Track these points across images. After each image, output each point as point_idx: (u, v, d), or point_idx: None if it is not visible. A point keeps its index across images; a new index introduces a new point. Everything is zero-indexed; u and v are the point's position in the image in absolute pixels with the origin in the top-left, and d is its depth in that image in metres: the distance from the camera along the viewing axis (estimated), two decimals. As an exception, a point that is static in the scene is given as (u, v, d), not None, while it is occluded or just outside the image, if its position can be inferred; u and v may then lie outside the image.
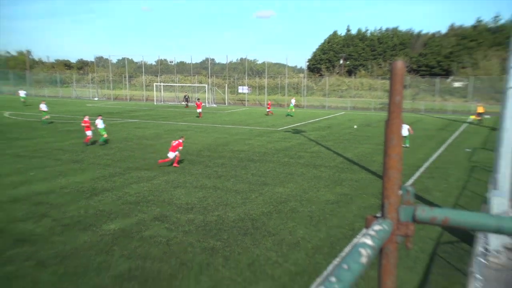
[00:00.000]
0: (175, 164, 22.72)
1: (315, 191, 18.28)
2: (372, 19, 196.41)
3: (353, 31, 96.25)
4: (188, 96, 62.21)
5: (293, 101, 54.94)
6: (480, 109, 42.79)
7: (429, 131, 37.72)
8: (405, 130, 28.40)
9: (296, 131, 36.67)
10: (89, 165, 22.91)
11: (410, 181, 20.06)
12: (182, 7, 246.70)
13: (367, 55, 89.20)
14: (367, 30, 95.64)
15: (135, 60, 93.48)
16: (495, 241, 11.68)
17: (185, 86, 74.24)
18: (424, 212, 1.65)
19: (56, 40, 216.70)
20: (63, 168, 22.08)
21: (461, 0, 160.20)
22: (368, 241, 1.43)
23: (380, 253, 1.68)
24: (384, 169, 1.74)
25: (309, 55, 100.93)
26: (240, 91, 71.85)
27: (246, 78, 74.02)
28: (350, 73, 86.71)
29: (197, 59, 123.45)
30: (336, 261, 11.59)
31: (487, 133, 37.00)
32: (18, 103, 57.72)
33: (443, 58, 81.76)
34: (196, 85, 72.30)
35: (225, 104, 66.89)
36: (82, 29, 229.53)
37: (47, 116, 39.57)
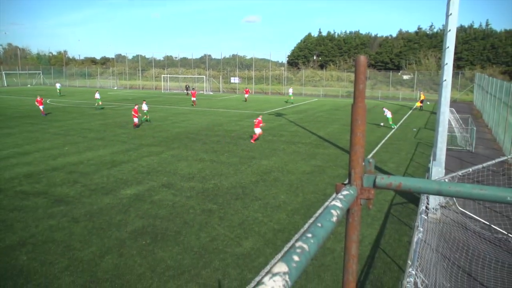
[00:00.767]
0: (252, 141, 22.85)
1: (294, 163, 18.26)
2: (338, 24, 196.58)
3: (324, 33, 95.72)
4: (188, 86, 61.38)
5: (290, 90, 53.46)
6: (422, 97, 42.83)
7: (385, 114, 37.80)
8: (388, 113, 29.45)
9: (278, 114, 36.50)
10: (109, 141, 22.63)
11: (371, 155, 20.14)
12: (185, 14, 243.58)
13: (335, 53, 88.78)
14: (335, 32, 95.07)
15: (147, 56, 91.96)
16: (433, 201, 11.94)
17: (187, 77, 73.37)
18: (382, 179, 1.69)
19: (86, 41, 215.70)
20: (90, 144, 21.80)
21: (406, 11, 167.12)
22: (338, 204, 1.46)
23: (347, 213, 1.73)
24: (350, 145, 1.74)
25: (288, 52, 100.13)
26: (232, 81, 71.19)
27: (237, 70, 73.31)
28: (322, 67, 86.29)
29: (197, 55, 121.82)
30: (311, 221, 11.63)
31: (428, 116, 37.23)
32: (56, 92, 56.71)
33: (394, 56, 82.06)
34: (196, 76, 71.45)
35: (219, 92, 66.32)
36: (105, 33, 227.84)
37: (100, 103, 39.86)
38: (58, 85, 58.42)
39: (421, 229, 7.22)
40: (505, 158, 12.06)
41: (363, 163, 1.76)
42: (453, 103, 42.81)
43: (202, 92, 64.52)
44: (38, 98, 33.83)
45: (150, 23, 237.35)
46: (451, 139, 21.67)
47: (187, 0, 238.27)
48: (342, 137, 24.92)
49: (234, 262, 9.13)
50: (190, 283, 8.29)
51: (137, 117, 27.07)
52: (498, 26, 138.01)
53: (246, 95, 51.30)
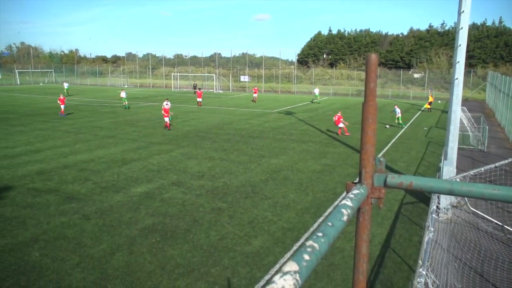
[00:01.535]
0: (343, 134, 24.09)
1: (304, 162, 18.23)
2: (349, 22, 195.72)
3: (334, 32, 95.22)
4: (196, 84, 61.48)
5: (316, 90, 49.88)
6: (431, 99, 40.61)
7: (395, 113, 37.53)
8: (398, 111, 29.17)
9: (288, 113, 36.44)
10: (120, 139, 22.81)
11: (381, 154, 20.02)
12: (195, 12, 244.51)
13: (345, 51, 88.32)
14: (345, 31, 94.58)
15: (157, 54, 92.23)
16: (444, 201, 11.85)
17: (197, 75, 73.59)
18: (393, 178, 1.68)
19: (97, 40, 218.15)
20: (101, 142, 22.00)
21: (417, 9, 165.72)
22: (348, 203, 1.45)
23: (357, 212, 1.72)
24: (361, 143, 1.73)
25: (298, 50, 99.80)
26: (242, 79, 71.23)
27: (247, 69, 73.32)
28: (332, 65, 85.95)
29: (207, 53, 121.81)
30: (321, 220, 11.61)
31: (439, 115, 36.86)
32: (63, 92, 57.09)
33: (405, 54, 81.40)
34: (206, 74, 71.65)
35: (229, 90, 66.40)
36: (116, 31, 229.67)
37: (126, 102, 38.30)
38: (66, 85, 56.54)
39: (432, 229, 7.16)
40: (518, 157, 11.89)
41: (374, 162, 1.75)
42: (465, 101, 42.35)
43: (212, 90, 64.69)
44: (61, 97, 33.20)
45: (161, 21, 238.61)
46: (463, 138, 21.43)
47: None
48: (352, 136, 24.80)
49: (244, 261, 9.15)
50: (199, 281, 8.32)
51: (168, 116, 26.05)
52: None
53: (255, 95, 47.24)
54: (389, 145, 22.37)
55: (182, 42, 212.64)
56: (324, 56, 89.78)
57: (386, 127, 28.37)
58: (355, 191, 1.56)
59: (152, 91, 63.95)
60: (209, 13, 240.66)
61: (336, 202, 13.02)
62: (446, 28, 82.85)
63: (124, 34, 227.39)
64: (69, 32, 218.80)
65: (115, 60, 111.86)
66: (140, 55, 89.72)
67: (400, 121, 29.01)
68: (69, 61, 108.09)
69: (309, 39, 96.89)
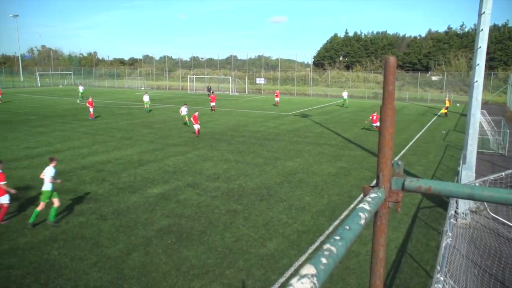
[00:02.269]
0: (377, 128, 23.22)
1: (319, 165, 18.14)
2: (365, 24, 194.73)
3: (350, 34, 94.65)
4: (210, 87, 61.70)
5: (345, 93, 46.07)
6: (447, 103, 38.21)
7: (412, 116, 37.06)
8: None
9: (304, 115, 36.34)
10: (136, 141, 23.07)
11: (397, 157, 19.79)
12: (211, 15, 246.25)
13: (362, 53, 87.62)
14: (361, 33, 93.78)
15: (174, 57, 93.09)
16: (463, 206, 11.66)
17: (213, 78, 73.96)
18: (411, 182, 1.66)
19: (114, 43, 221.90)
20: (118, 143, 22.29)
21: (436, 10, 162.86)
22: (366, 206, 1.45)
23: (375, 216, 1.70)
24: (379, 147, 1.71)
25: (314, 53, 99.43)
26: (257, 82, 71.28)
27: (263, 71, 73.38)
28: (348, 67, 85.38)
29: (223, 56, 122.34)
30: (336, 223, 11.53)
31: (458, 118, 36.25)
32: (87, 92, 57.47)
33: (423, 57, 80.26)
34: (222, 77, 71.94)
35: (245, 92, 66.55)
36: (133, 33, 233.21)
37: (148, 105, 37.19)
38: (81, 88, 52.87)
39: (450, 234, 7.05)
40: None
41: (392, 166, 1.73)
42: (485, 105, 41.59)
43: (227, 93, 64.94)
44: (90, 100, 32.85)
45: (177, 24, 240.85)
46: (482, 142, 21.04)
47: (214, 0, 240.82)
48: (368, 139, 24.58)
49: (258, 263, 9.14)
50: (214, 282, 8.35)
51: (197, 123, 24.63)
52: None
53: (277, 99, 45.00)
54: (406, 148, 22.11)
55: (198, 44, 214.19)
56: (340, 58, 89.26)
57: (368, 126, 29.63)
58: (373, 195, 1.55)
59: (168, 93, 64.52)
60: (226, 15, 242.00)
61: (352, 206, 12.92)
62: (466, 29, 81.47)
63: (142, 36, 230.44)
64: (88, 35, 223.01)
65: (133, 62, 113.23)
66: (157, 58, 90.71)
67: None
68: (87, 64, 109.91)
69: (325, 42, 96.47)
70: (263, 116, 35.72)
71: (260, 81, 70.51)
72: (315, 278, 0.98)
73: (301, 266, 9.02)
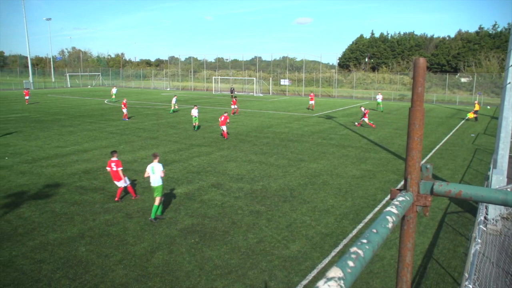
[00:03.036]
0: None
1: (344, 167, 17.96)
2: (392, 25, 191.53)
3: (376, 35, 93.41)
4: (234, 88, 61.93)
5: (379, 96, 42.92)
6: (477, 107, 36.17)
7: (440, 118, 36.23)
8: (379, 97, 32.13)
9: (328, 117, 36.06)
10: (162, 141, 23.41)
11: (424, 160, 19.38)
12: (237, 16, 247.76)
13: (388, 55, 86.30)
14: (388, 33, 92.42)
15: (199, 58, 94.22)
16: (493, 212, 11.33)
17: (238, 79, 74.30)
18: (441, 186, 1.63)
19: (141, 44, 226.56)
20: (143, 143, 22.67)
21: (466, 10, 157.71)
22: (393, 210, 1.43)
23: (402, 220, 1.66)
24: (407, 150, 1.69)
25: (339, 54, 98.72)
26: (282, 83, 71.25)
27: (287, 72, 73.30)
28: (373, 69, 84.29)
29: (248, 57, 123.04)
30: (360, 226, 11.39)
31: (488, 121, 35.20)
32: (110, 97, 59.07)
33: (451, 58, 78.32)
34: (246, 78, 72.20)
35: (269, 94, 66.56)
36: (159, 35, 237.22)
37: (173, 107, 37.79)
38: (114, 90, 51.21)
39: (479, 240, 6.85)
40: None
41: (420, 169, 1.71)
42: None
43: (252, 94, 65.09)
44: (124, 101, 33.30)
45: (203, 25, 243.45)
46: (514, 146, 20.35)
47: (240, 2, 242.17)
48: (394, 141, 24.18)
49: (281, 265, 9.13)
50: (236, 283, 8.38)
51: (224, 125, 24.16)
52: None
53: (312, 102, 41.71)
54: (433, 151, 21.64)
55: (223, 45, 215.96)
56: (366, 59, 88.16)
57: (355, 124, 31.20)
58: (400, 198, 1.53)
59: (193, 94, 65.19)
60: (251, 17, 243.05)
61: (376, 209, 12.74)
62: (498, 29, 78.99)
63: (168, 38, 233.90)
64: (116, 37, 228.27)
65: (159, 63, 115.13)
66: (183, 59, 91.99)
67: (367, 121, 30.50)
68: (115, 65, 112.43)
69: (351, 43, 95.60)
70: (287, 117, 35.64)
71: (284, 82, 70.44)
72: (342, 281, 0.98)
73: (324, 268, 8.96)
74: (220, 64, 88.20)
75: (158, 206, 11.66)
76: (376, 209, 12.76)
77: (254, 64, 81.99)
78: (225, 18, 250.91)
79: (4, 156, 19.28)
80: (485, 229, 10.95)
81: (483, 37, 78.26)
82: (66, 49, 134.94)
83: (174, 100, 38.38)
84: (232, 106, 37.96)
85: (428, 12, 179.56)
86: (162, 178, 11.80)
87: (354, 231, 11.02)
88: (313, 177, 16.29)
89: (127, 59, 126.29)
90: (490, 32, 79.87)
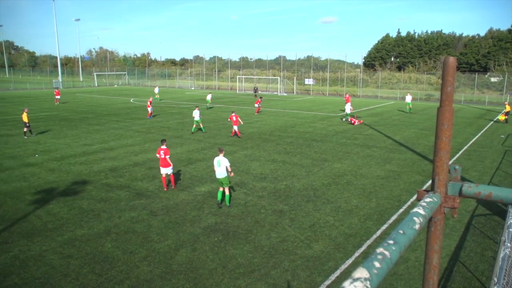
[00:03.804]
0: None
1: (368, 167, 17.74)
2: (419, 23, 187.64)
3: (403, 34, 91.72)
4: (257, 88, 62.01)
5: (409, 97, 40.12)
6: (508, 108, 34.28)
7: (468, 119, 35.28)
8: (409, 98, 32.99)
9: (353, 117, 35.62)
10: (186, 140, 23.67)
11: (451, 162, 18.92)
12: (262, 16, 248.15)
13: (415, 54, 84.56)
14: (415, 32, 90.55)
15: (223, 57, 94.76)
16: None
17: (262, 78, 74.33)
18: (470, 188, 1.59)
19: (167, 43, 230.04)
20: (168, 142, 22.70)
21: (498, 7, 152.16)
22: (420, 211, 1.40)
23: (429, 221, 1.64)
24: (435, 150, 1.66)
25: (365, 53, 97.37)
26: (306, 82, 70.84)
27: (312, 72, 72.85)
28: (399, 68, 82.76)
29: (272, 56, 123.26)
30: (384, 227, 11.23)
31: (523, 122, 34.05)
32: (139, 91, 60.06)
33: (481, 57, 76.02)
34: (270, 77, 72.18)
35: (293, 93, 66.33)
36: (185, 35, 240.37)
37: (208, 104, 41.59)
38: (157, 90, 51.20)
39: (509, 244, 6.65)
40: None
41: (448, 170, 1.68)
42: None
43: (276, 93, 65.03)
44: (151, 99, 34.46)
45: (228, 25, 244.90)
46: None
47: (265, 1, 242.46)
48: (419, 142, 23.71)
49: (304, 264, 9.10)
50: (259, 281, 8.41)
51: (237, 124, 24.26)
52: None
53: (348, 104, 35.20)
54: (460, 152, 21.11)
55: (248, 45, 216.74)
56: (392, 59, 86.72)
57: (342, 120, 32.88)
58: (428, 199, 1.50)
59: (217, 93, 65.62)
60: (276, 16, 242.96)
61: (401, 210, 12.53)
62: (533, 27, 76.21)
63: (193, 37, 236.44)
64: (142, 37, 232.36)
65: (183, 62, 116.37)
66: (207, 58, 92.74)
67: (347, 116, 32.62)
68: (141, 64, 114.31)
69: (377, 42, 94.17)
70: (311, 117, 35.46)
71: (308, 81, 70.03)
72: (368, 282, 0.97)
73: (347, 269, 8.88)
74: (244, 64, 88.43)
75: (229, 195, 12.79)
76: (401, 210, 12.56)
77: (279, 64, 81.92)
78: (250, 17, 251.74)
79: (35, 153, 19.90)
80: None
81: (517, 35, 75.69)
82: (94, 49, 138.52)
83: (209, 97, 41.60)
84: (256, 105, 38.16)
85: (458, 11, 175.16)
86: (227, 170, 12.69)
87: (378, 232, 10.88)
88: (337, 177, 16.16)
89: (153, 59, 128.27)
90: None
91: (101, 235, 10.58)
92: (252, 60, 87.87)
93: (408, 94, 41.85)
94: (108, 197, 13.53)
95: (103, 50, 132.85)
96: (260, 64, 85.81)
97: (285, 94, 64.22)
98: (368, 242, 10.29)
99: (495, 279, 5.27)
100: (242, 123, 25.60)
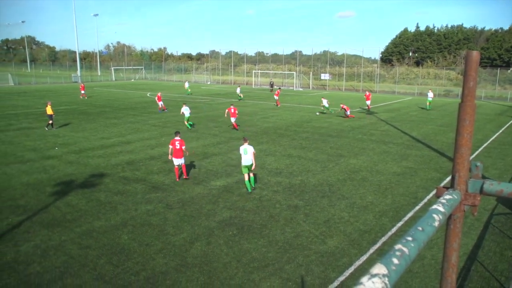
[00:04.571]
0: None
1: (384, 163, 17.57)
2: (439, 18, 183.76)
3: (422, 28, 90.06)
4: (273, 82, 61.86)
5: (430, 94, 38.85)
6: None
7: (488, 115, 34.59)
8: (325, 102, 34.23)
9: (369, 112, 35.31)
10: (202, 134, 23.78)
11: (470, 159, 18.58)
12: (278, 11, 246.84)
13: (434, 49, 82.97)
14: (434, 27, 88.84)
15: (239, 52, 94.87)
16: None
17: (277, 73, 74.08)
18: (492, 185, 1.56)
19: (183, 38, 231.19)
20: (184, 136, 22.90)
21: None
22: (440, 208, 1.38)
23: (448, 219, 1.61)
24: (455, 146, 1.63)
25: (382, 48, 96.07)
26: (322, 77, 70.36)
27: (328, 67, 72.29)
28: (418, 63, 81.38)
29: (288, 51, 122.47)
30: (400, 224, 11.12)
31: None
32: (156, 86, 60.47)
33: (504, 52, 74.12)
34: (286, 72, 71.89)
35: (309, 88, 65.97)
36: (201, 29, 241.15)
37: (241, 95, 44.73)
38: (187, 84, 52.58)
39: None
40: None
41: (469, 167, 1.65)
42: None
43: (291, 88, 64.76)
44: (159, 94, 34.76)
45: (245, 19, 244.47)
46: None
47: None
48: (437, 139, 23.35)
49: (318, 260, 9.08)
50: (273, 276, 8.43)
51: (235, 117, 24.95)
52: None
53: (368, 102, 36.91)
54: (480, 149, 20.73)
55: (264, 40, 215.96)
56: (410, 54, 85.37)
57: (316, 114, 33.27)
58: (447, 196, 1.48)
59: (233, 87, 65.68)
60: (292, 11, 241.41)
61: (417, 207, 12.38)
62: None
63: (209, 32, 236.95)
64: (159, 32, 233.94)
65: (200, 57, 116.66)
66: (223, 53, 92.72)
67: (329, 109, 33.84)
68: (157, 59, 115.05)
69: (394, 36, 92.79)
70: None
71: (325, 76, 69.53)
72: (386, 279, 0.97)
73: (362, 266, 8.83)
74: (260, 58, 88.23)
75: (254, 177, 13.97)
76: (417, 207, 12.41)
77: (295, 58, 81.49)
78: (266, 12, 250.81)
79: (55, 146, 20.27)
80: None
81: (542, 29, 73.47)
82: (111, 43, 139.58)
83: (238, 90, 45.23)
84: (276, 97, 39.49)
85: (480, 4, 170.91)
86: (253, 157, 13.53)
87: (394, 229, 10.78)
88: (352, 173, 16.05)
89: (169, 53, 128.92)
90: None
91: (118, 227, 10.74)
92: (268, 55, 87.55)
93: (430, 90, 40.32)
94: (125, 190, 13.71)
95: (120, 45, 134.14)
96: (276, 59, 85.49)
97: (301, 89, 63.91)
98: (383, 239, 10.21)
99: (514, 279, 5.17)
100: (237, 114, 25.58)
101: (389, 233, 10.52)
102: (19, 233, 10.33)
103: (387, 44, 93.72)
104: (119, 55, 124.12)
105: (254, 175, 14.16)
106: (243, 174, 13.69)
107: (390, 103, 44.69)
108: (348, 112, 31.79)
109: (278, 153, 19.14)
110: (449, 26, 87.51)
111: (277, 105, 38.72)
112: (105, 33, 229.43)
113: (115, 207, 12.14)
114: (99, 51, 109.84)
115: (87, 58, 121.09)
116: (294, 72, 67.74)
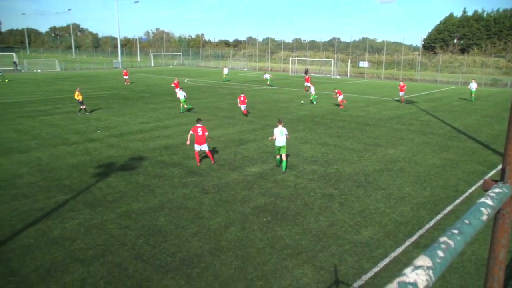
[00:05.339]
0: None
1: (423, 154, 17.06)
2: (489, 1, 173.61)
3: (469, 13, 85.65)
4: (307, 70, 61.05)
5: (473, 85, 35.40)
6: None
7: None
8: (474, 85, 31.65)
9: (409, 102, 34.26)
10: (238, 120, 23.91)
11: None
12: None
13: (482, 35, 78.67)
14: (483, 11, 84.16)
15: (276, 39, 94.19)
16: None
17: (315, 60, 73.06)
18: None
19: (221, 25, 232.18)
20: (220, 122, 23.35)
21: None
22: (489, 202, 1.32)
23: (497, 213, 1.53)
24: (507, 137, 1.54)
25: (425, 35, 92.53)
26: (360, 65, 68.69)
27: (367, 54, 70.52)
28: (463, 51, 77.69)
29: (326, 38, 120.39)
30: (439, 217, 10.80)
31: None
32: (194, 72, 61.17)
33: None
34: (324, 59, 70.74)
35: (347, 76, 64.69)
36: (238, 16, 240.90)
37: (268, 82, 45.68)
38: (226, 70, 52.35)
39: None
40: None
41: None
42: None
43: (329, 76, 63.77)
44: (175, 81, 34.91)
45: (282, 6, 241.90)
46: None
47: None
48: (482, 130, 22.38)
49: (352, 250, 9.00)
50: (306, 264, 8.44)
51: (245, 104, 25.30)
52: None
53: (402, 93, 33.88)
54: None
55: (301, 26, 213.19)
56: (455, 41, 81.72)
57: (301, 103, 31.84)
58: (497, 190, 1.41)
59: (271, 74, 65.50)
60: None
61: (458, 201, 11.98)
62: None
63: (246, 19, 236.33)
64: (197, 18, 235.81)
65: (237, 44, 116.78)
66: (260, 39, 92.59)
67: (312, 98, 32.12)
68: (195, 45, 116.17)
69: (438, 22, 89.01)
70: (364, 100, 34.53)
71: (363, 64, 67.91)
72: (431, 271, 0.94)
73: (397, 257, 8.68)
74: (297, 45, 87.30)
75: (286, 161, 14.36)
76: (458, 201, 12.00)
77: (332, 45, 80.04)
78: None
79: (97, 129, 21.00)
80: None
81: None
82: (151, 30, 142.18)
83: (267, 76, 46.81)
84: (306, 84, 39.45)
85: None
86: (287, 139, 14.29)
87: (432, 222, 10.49)
88: (390, 163, 15.70)
89: (207, 40, 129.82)
90: None
91: (155, 209, 11.05)
92: (305, 42, 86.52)
93: (473, 80, 36.76)
94: (163, 174, 14.05)
95: (159, 31, 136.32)
96: (313, 45, 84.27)
97: (338, 77, 62.81)
98: (420, 231, 9.97)
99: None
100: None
101: (427, 226, 10.26)
102: (65, 211, 10.85)
103: (430, 30, 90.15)
104: (158, 41, 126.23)
105: (287, 158, 14.52)
106: (276, 155, 14.59)
107: (431, 92, 43.14)
108: (341, 97, 29.81)
109: (313, 141, 18.98)
110: (501, 10, 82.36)
111: (305, 91, 38.76)
112: (145, 20, 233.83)
113: (153, 190, 12.48)
114: (139, 38, 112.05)
115: (128, 44, 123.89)
116: (332, 60, 66.55)
